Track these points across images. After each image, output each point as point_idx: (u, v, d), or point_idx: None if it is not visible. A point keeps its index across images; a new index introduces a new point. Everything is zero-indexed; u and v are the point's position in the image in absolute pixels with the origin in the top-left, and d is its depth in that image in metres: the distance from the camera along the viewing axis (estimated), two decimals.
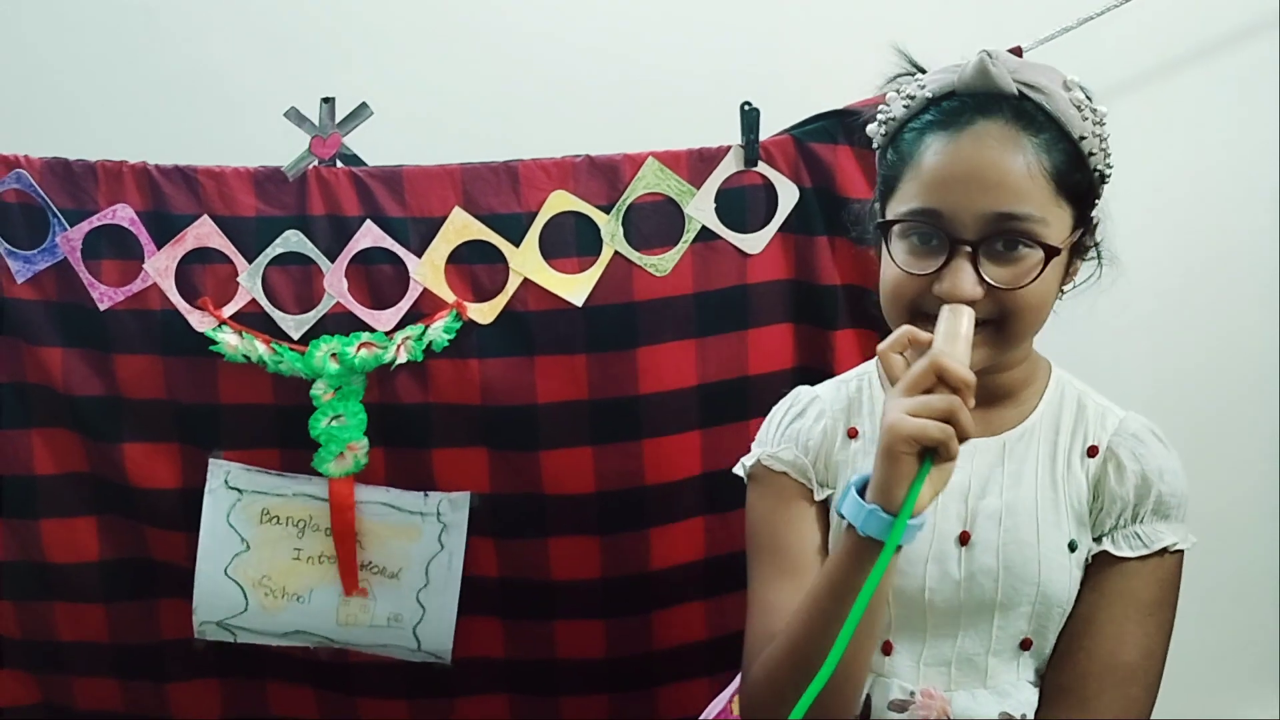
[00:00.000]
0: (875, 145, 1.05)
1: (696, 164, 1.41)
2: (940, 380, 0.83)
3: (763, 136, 1.41)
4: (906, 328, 0.89)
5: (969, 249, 0.90)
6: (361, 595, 1.49)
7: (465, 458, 1.45)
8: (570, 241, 1.41)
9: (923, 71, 1.02)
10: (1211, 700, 1.65)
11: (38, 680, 1.55)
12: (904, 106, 0.99)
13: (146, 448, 1.45)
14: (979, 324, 0.90)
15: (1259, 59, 1.51)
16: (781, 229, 1.43)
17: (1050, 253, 0.91)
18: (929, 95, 0.97)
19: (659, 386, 1.44)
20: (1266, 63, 1.51)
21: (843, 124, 1.40)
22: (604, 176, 1.41)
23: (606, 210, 1.41)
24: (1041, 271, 0.91)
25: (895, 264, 0.95)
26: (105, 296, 1.40)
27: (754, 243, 1.43)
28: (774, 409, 1.13)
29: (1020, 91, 0.93)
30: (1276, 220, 1.57)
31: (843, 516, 0.88)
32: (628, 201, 1.41)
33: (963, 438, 0.82)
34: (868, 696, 1.02)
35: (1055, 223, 0.92)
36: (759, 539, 1.07)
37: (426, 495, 1.47)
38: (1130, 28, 1.43)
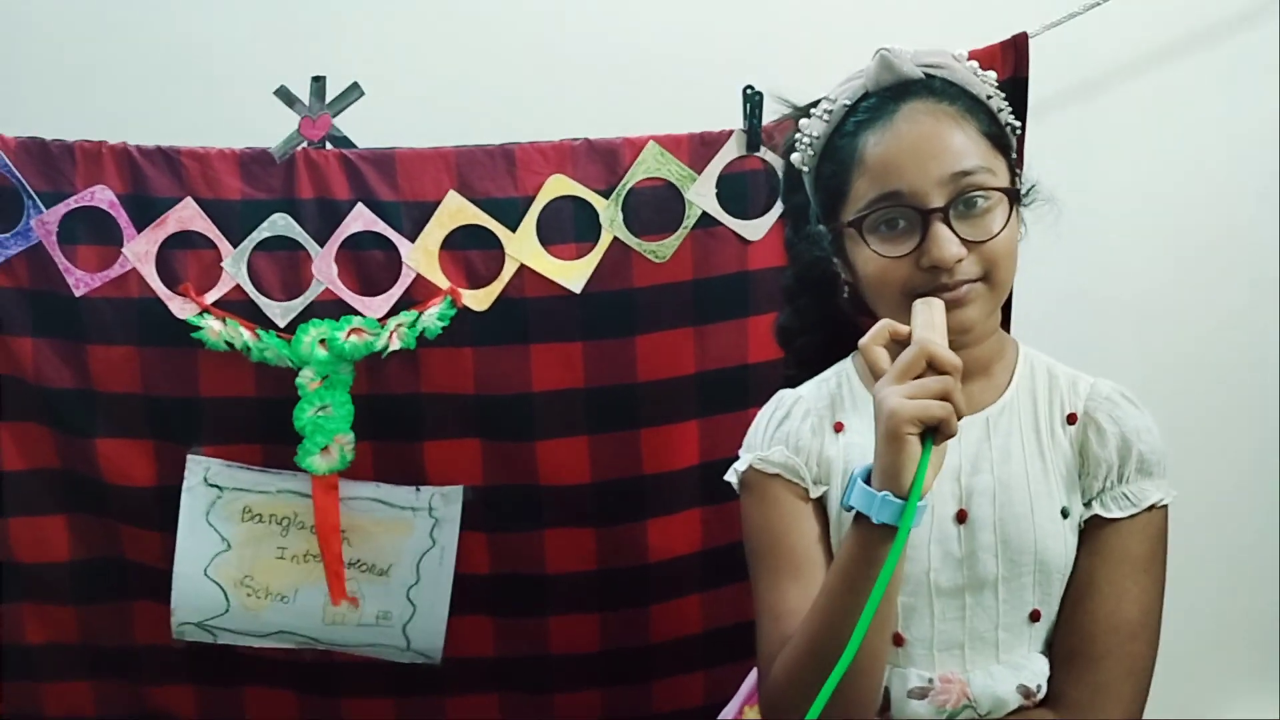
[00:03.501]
0: (805, 168, 1.11)
1: (698, 148, 1.42)
2: (929, 365, 0.88)
3: (765, 121, 1.41)
4: (886, 321, 0.94)
5: (940, 214, 0.97)
6: (352, 604, 1.48)
7: (457, 449, 1.45)
8: (568, 227, 1.41)
9: (800, 110, 1.13)
10: (1212, 700, 1.68)
11: (1, 689, 1.50)
12: (824, 121, 1.06)
13: (121, 443, 1.43)
14: (969, 282, 0.98)
15: (1262, 46, 1.54)
16: (782, 216, 1.43)
17: (1011, 195, 1.00)
18: (846, 103, 1.04)
19: (657, 374, 1.45)
20: (1269, 50, 1.54)
21: None
22: (603, 160, 1.41)
23: (606, 195, 1.41)
24: (1010, 215, 0.99)
25: (876, 255, 1.00)
26: (81, 283, 1.38)
27: (755, 229, 1.44)
28: (759, 415, 1.16)
29: (925, 73, 1.03)
30: (1276, 207, 1.60)
31: (848, 509, 0.91)
32: (627, 186, 1.41)
33: (959, 415, 0.87)
34: (886, 689, 1.04)
35: (999, 173, 1.01)
36: (759, 545, 1.09)
37: (418, 490, 1.45)
38: (1136, 13, 1.45)
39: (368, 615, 1.49)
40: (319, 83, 1.36)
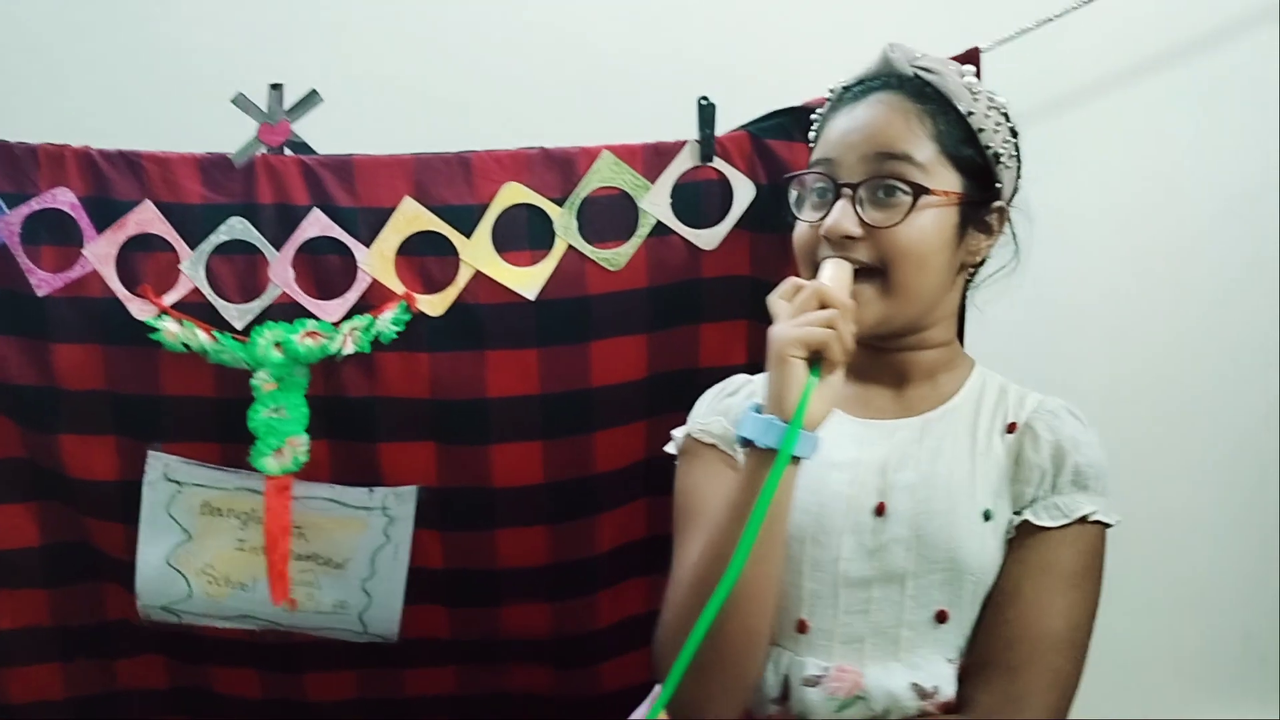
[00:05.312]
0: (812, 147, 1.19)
1: (652, 158, 1.45)
2: (822, 305, 0.96)
3: (719, 132, 1.45)
4: (792, 279, 1.01)
5: (850, 189, 1.05)
6: (290, 605, 1.52)
7: (412, 452, 1.49)
8: (523, 234, 1.45)
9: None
10: (1212, 700, 1.71)
11: None
12: (828, 102, 1.17)
13: (84, 439, 1.48)
14: (867, 273, 1.05)
15: (1217, 65, 1.57)
16: (738, 226, 1.47)
17: (918, 190, 1.03)
18: (843, 85, 1.15)
19: (611, 379, 1.48)
20: (1225, 68, 1.57)
21: (800, 121, 1.43)
22: (558, 169, 1.45)
23: (560, 203, 1.45)
24: (912, 207, 1.03)
25: (800, 221, 1.10)
26: (44, 283, 1.42)
27: (709, 239, 1.47)
28: (706, 391, 1.24)
29: (916, 74, 1.10)
30: (1239, 219, 1.63)
31: (742, 441, 0.97)
32: (582, 195, 1.45)
33: (846, 348, 0.94)
34: (786, 678, 1.08)
35: (936, 176, 1.05)
36: (684, 505, 1.15)
37: (372, 491, 1.50)
38: (1089, 30, 1.47)
39: (325, 604, 1.54)
40: (277, 90, 1.40)
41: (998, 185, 1.11)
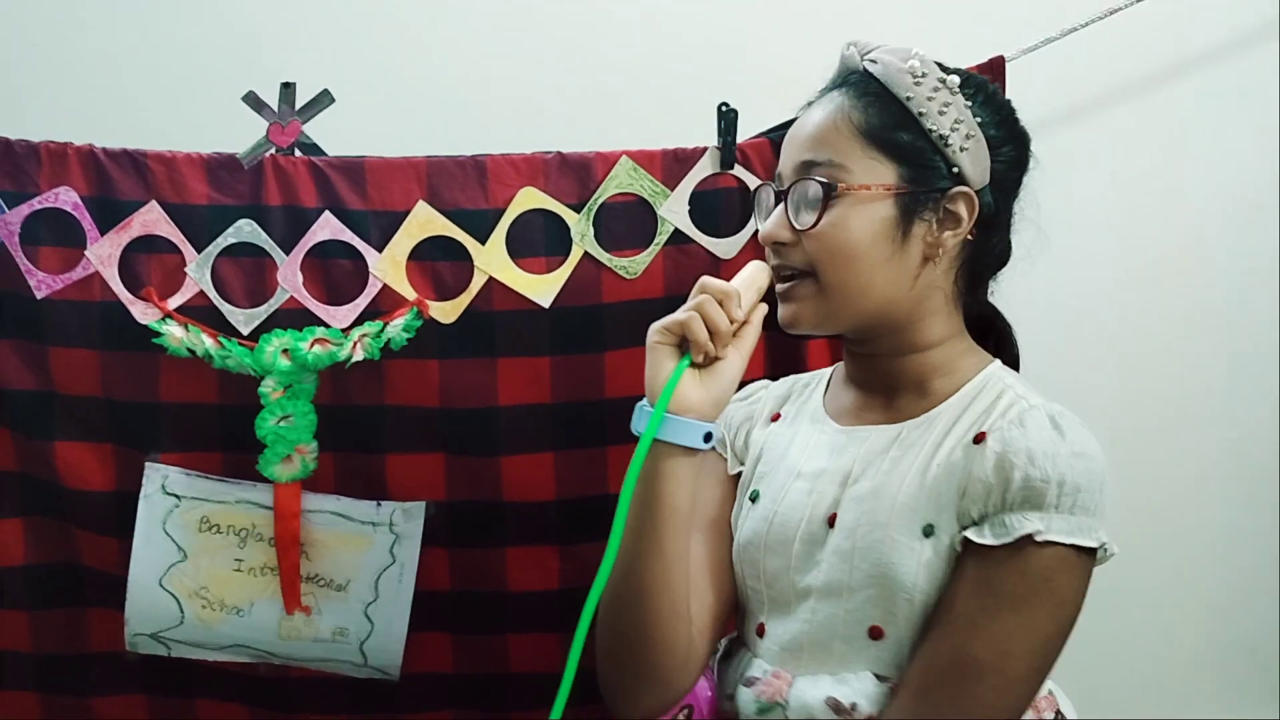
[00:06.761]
0: None
1: (671, 164, 1.44)
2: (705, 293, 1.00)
3: (740, 139, 1.44)
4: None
5: (784, 196, 1.06)
6: (304, 613, 1.48)
7: (421, 464, 1.46)
8: (538, 240, 1.43)
9: None
10: (1212, 700, 1.69)
11: None
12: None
13: (79, 447, 1.45)
14: (794, 271, 1.06)
15: (1238, 74, 1.59)
16: (757, 235, 1.45)
17: (827, 190, 1.03)
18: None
19: (626, 392, 1.46)
20: (1246, 78, 1.59)
21: None
22: (575, 174, 1.43)
23: (577, 209, 1.44)
24: (824, 208, 1.02)
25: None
26: (43, 284, 1.40)
27: (728, 247, 1.46)
28: None
29: (864, 68, 1.08)
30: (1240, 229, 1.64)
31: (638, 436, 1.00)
32: (599, 201, 1.43)
33: (714, 330, 0.98)
34: (741, 674, 1.09)
35: (860, 171, 1.03)
36: None
37: (379, 504, 1.47)
38: (1112, 40, 1.48)
39: (324, 631, 1.50)
40: (289, 89, 1.38)
41: (954, 170, 1.04)
